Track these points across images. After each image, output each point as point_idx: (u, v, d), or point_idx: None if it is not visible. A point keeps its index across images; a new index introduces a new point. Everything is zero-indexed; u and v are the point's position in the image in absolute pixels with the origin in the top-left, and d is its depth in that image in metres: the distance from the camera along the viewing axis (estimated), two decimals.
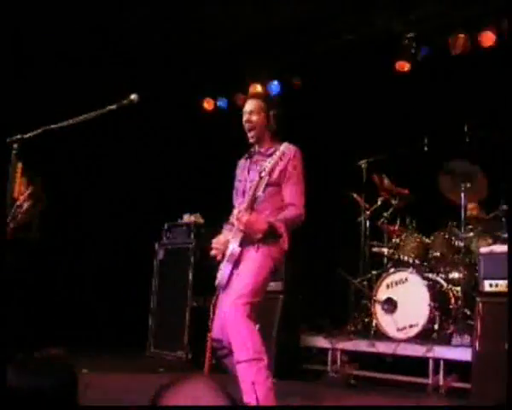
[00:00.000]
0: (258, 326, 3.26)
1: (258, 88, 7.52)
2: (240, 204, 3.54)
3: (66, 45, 6.67)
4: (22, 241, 5.03)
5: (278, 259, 3.42)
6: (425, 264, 5.68)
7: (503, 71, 5.15)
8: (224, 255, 3.43)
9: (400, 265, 5.63)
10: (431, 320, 5.18)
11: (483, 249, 4.48)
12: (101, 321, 7.15)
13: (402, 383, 4.97)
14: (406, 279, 5.36)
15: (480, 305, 4.21)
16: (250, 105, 3.55)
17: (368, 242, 6.12)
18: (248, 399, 3.04)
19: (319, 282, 6.66)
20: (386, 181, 5.99)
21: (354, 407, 4.15)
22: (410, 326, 5.19)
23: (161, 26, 7.00)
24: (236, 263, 3.35)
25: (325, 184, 6.69)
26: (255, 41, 7.33)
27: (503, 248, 4.21)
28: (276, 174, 3.35)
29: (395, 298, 5.36)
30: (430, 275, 5.53)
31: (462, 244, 5.36)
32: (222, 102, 8.22)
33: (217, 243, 3.52)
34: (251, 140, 3.57)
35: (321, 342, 5.62)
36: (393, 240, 5.87)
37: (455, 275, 5.54)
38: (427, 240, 5.69)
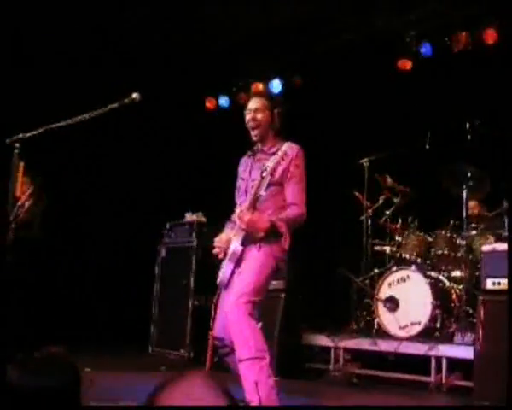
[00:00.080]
0: (260, 325, 3.26)
1: (261, 87, 7.52)
2: (242, 203, 3.53)
3: (67, 45, 6.67)
4: (24, 240, 5.03)
5: (280, 258, 3.42)
6: (427, 262, 5.68)
7: (504, 69, 5.14)
8: (225, 254, 3.43)
9: (402, 263, 5.63)
10: (433, 318, 5.18)
11: (485, 247, 4.47)
12: (104, 320, 7.16)
13: (404, 381, 4.97)
14: (408, 277, 5.35)
15: (482, 303, 4.20)
16: (255, 103, 3.53)
17: (370, 240, 6.12)
18: (250, 397, 3.04)
19: (321, 280, 6.67)
20: (388, 179, 5.98)
21: (356, 406, 4.15)
22: (412, 324, 5.19)
23: (161, 26, 7.00)
24: (238, 262, 3.35)
25: (327, 183, 6.69)
26: (255, 41, 7.32)
27: (506, 246, 4.20)
28: (278, 174, 3.35)
29: (397, 296, 5.36)
30: (432, 273, 5.53)
31: (464, 242, 5.35)
32: (223, 101, 8.22)
33: (219, 241, 3.52)
34: (254, 138, 3.56)
35: (323, 340, 5.62)
36: (395, 238, 5.87)
37: (457, 273, 5.53)
38: (429, 238, 5.68)
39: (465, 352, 4.59)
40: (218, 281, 3.45)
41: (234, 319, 3.16)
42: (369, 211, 6.12)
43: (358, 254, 6.12)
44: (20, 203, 4.86)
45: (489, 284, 4.21)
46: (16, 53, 6.34)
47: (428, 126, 5.71)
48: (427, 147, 5.59)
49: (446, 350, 4.83)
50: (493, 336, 4.04)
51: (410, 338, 5.15)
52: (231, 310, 3.18)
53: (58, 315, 6.45)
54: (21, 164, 3.04)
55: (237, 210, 3.40)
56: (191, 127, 8.05)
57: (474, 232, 5.44)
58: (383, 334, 5.38)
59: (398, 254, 5.76)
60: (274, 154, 3.38)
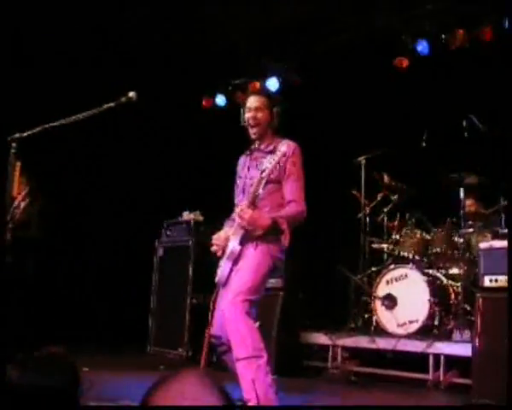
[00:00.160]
0: (258, 324, 3.26)
1: (259, 85, 7.51)
2: (240, 201, 3.54)
3: (67, 45, 6.66)
4: (21, 240, 5.02)
5: (277, 256, 3.42)
6: (425, 260, 5.68)
7: (501, 66, 5.15)
8: (224, 252, 3.44)
9: (400, 261, 5.64)
10: (431, 316, 5.19)
11: (483, 245, 4.47)
12: (102, 319, 7.15)
13: (402, 378, 4.98)
14: (406, 275, 5.36)
15: (480, 300, 4.20)
16: (255, 102, 3.52)
17: (367, 238, 6.13)
18: (248, 396, 3.04)
19: (319, 279, 6.67)
20: (385, 177, 5.99)
21: (356, 406, 4.15)
22: (410, 322, 5.20)
23: (161, 26, 7.00)
24: (236, 261, 3.35)
25: (324, 181, 6.69)
26: (254, 40, 7.32)
27: (503, 243, 4.21)
28: (275, 172, 3.35)
29: (395, 294, 5.37)
30: (430, 271, 5.54)
31: (461, 240, 5.36)
32: (221, 100, 8.22)
33: (217, 239, 3.52)
34: (253, 136, 3.56)
35: (321, 338, 5.63)
36: (393, 236, 5.87)
37: (455, 271, 5.54)
38: (426, 236, 5.69)
39: (463, 349, 4.59)
40: (217, 279, 3.45)
41: (231, 318, 3.16)
42: (367, 209, 6.12)
43: (356, 252, 6.13)
44: (15, 204, 4.85)
45: (486, 281, 4.21)
46: (15, 52, 6.33)
47: (425, 124, 5.71)
48: (424, 145, 5.59)
49: (444, 348, 4.83)
50: (491, 334, 4.04)
51: (408, 336, 5.16)
52: (228, 309, 3.18)
53: (57, 315, 6.45)
54: (18, 164, 3.03)
55: (237, 208, 3.39)
56: (188, 126, 8.04)
57: (471, 230, 5.44)
58: (381, 332, 5.39)
59: (395, 252, 5.77)
60: (271, 152, 3.39)
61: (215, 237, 3.55)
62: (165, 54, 7.41)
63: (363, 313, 5.87)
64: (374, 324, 5.56)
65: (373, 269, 6.01)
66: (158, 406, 1.15)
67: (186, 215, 6.69)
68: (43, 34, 6.39)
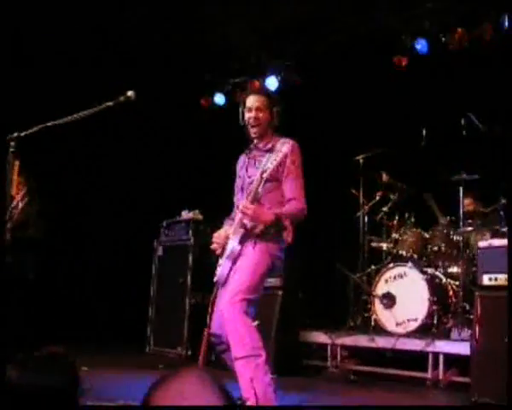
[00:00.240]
0: (257, 323, 3.26)
1: (259, 84, 7.51)
2: (239, 200, 3.55)
3: (66, 45, 6.66)
4: (21, 240, 5.02)
5: (276, 255, 3.42)
6: (424, 258, 5.69)
7: (501, 66, 5.15)
8: (223, 250, 3.44)
9: (399, 259, 5.64)
10: (430, 315, 5.19)
11: (482, 243, 4.47)
12: (101, 319, 7.16)
13: (402, 377, 4.98)
14: (405, 274, 5.37)
15: (479, 299, 4.20)
16: (256, 101, 3.52)
17: (366, 237, 6.13)
18: (247, 395, 3.05)
19: (318, 277, 6.67)
20: (384, 176, 5.99)
21: (356, 406, 4.15)
22: (409, 321, 5.21)
23: (161, 25, 6.99)
24: (236, 260, 3.36)
25: (323, 180, 6.69)
26: (255, 39, 7.32)
27: (502, 241, 4.21)
28: (273, 170, 3.34)
29: (394, 293, 5.37)
30: (429, 269, 5.54)
31: (460, 238, 5.36)
32: (220, 99, 8.21)
33: (217, 237, 3.52)
34: (253, 135, 3.56)
35: (320, 337, 5.63)
36: (392, 235, 5.87)
37: (454, 269, 5.55)
38: (425, 234, 5.69)
39: (462, 348, 4.60)
40: (216, 278, 3.45)
41: (229, 317, 3.16)
42: (366, 208, 6.12)
43: (355, 251, 6.13)
44: (14, 204, 4.83)
45: (485, 279, 4.21)
46: (14, 52, 6.32)
47: (424, 123, 5.71)
48: (423, 143, 5.59)
49: (443, 346, 4.84)
50: (490, 332, 4.05)
51: (407, 334, 5.16)
52: (226, 308, 3.19)
53: (56, 315, 6.45)
54: (16, 163, 3.03)
55: (240, 205, 3.38)
56: (187, 126, 8.03)
57: (470, 228, 5.45)
58: (380, 330, 5.39)
59: (394, 251, 5.77)
60: (269, 150, 3.41)
61: (215, 234, 3.55)
62: (165, 53, 7.40)
63: (362, 312, 5.87)
64: (373, 322, 5.56)
65: (372, 268, 6.01)
66: (158, 406, 1.15)
67: (185, 214, 6.68)
68: (42, 34, 6.39)
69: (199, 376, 1.19)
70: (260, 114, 3.50)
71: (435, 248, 5.59)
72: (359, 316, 5.86)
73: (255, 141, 3.60)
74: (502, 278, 4.06)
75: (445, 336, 5.02)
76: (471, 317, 4.70)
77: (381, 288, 5.48)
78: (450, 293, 5.37)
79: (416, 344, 4.99)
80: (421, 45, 6.62)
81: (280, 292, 5.45)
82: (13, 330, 4.06)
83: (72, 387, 1.83)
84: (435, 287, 5.32)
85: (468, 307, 5.09)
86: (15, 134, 3.06)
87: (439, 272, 5.54)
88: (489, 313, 4.10)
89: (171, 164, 7.88)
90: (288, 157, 3.36)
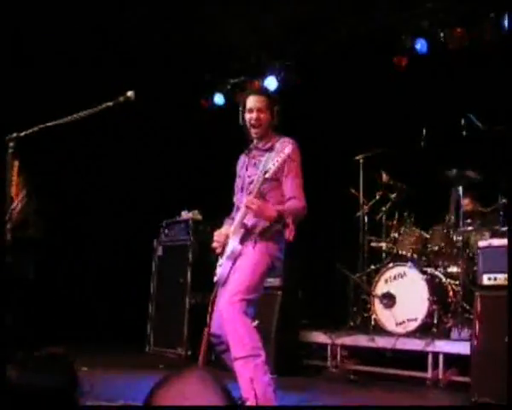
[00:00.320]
0: (256, 323, 3.26)
1: (259, 85, 7.50)
2: (238, 200, 3.56)
3: (66, 45, 6.65)
4: (21, 240, 5.00)
5: (276, 255, 3.42)
6: (423, 258, 5.69)
7: (501, 65, 5.15)
8: (224, 249, 3.44)
9: (399, 259, 5.63)
10: (430, 314, 5.19)
11: (481, 243, 4.47)
12: (101, 319, 7.15)
13: (402, 377, 4.98)
14: (405, 274, 5.36)
15: (479, 299, 4.20)
16: (257, 102, 3.52)
17: (366, 237, 6.13)
18: (246, 395, 3.05)
19: (318, 277, 6.67)
20: (384, 176, 5.99)
21: (355, 406, 4.15)
22: (409, 321, 5.20)
23: (161, 25, 6.99)
24: (236, 260, 3.36)
25: (323, 180, 6.68)
26: (254, 39, 7.32)
27: (502, 241, 4.21)
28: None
29: (394, 293, 5.37)
30: (429, 269, 5.54)
31: (460, 238, 5.36)
32: (219, 99, 8.21)
33: (218, 235, 3.52)
34: (254, 135, 3.56)
35: (320, 337, 5.63)
36: (392, 235, 5.87)
37: (453, 269, 5.54)
38: (425, 234, 5.69)
39: (462, 347, 4.60)
40: (216, 279, 3.45)
41: (228, 318, 3.17)
42: (366, 208, 6.12)
43: (355, 251, 6.13)
44: (14, 205, 4.82)
45: (485, 279, 4.21)
46: (14, 52, 6.32)
47: (424, 123, 5.71)
48: (423, 143, 5.59)
49: (443, 346, 4.84)
50: (490, 332, 4.05)
51: (407, 334, 5.16)
52: (226, 308, 3.19)
53: (56, 315, 6.44)
54: (16, 163, 3.03)
55: (245, 199, 3.37)
56: (187, 126, 8.03)
57: (469, 228, 5.45)
58: (380, 330, 5.39)
59: (394, 251, 5.77)
60: (268, 149, 3.43)
61: (216, 233, 3.56)
62: (165, 53, 7.40)
63: (362, 312, 5.87)
64: (373, 322, 5.56)
65: (372, 268, 6.01)
66: (159, 406, 1.15)
67: (185, 214, 6.69)
68: (42, 34, 6.39)
69: (200, 376, 1.18)
70: (261, 115, 3.51)
71: (435, 248, 5.59)
72: (359, 316, 5.86)
73: (255, 141, 3.60)
74: (501, 278, 4.06)
75: (445, 335, 5.02)
76: (471, 317, 4.70)
77: (380, 288, 5.48)
78: (450, 293, 5.37)
79: (415, 344, 4.99)
80: (420, 45, 6.62)
81: (280, 292, 5.44)
82: (13, 331, 4.06)
83: (72, 387, 1.82)
84: (435, 287, 5.31)
85: (467, 307, 5.09)
86: (15, 134, 3.06)
87: (439, 271, 5.54)
88: (489, 313, 4.10)
89: (170, 164, 7.88)
90: (289, 157, 3.37)
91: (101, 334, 6.77)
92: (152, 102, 6.74)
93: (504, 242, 4.10)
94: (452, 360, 4.78)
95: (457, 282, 5.34)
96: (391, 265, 5.54)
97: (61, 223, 6.82)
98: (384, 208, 6.02)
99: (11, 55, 6.26)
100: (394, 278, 5.42)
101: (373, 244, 6.08)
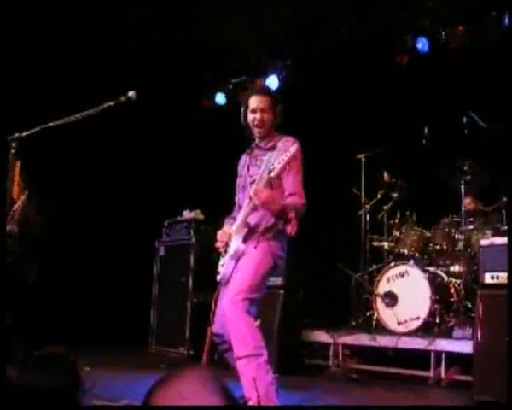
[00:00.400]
0: (259, 322, 3.26)
1: (261, 84, 7.50)
2: (240, 199, 3.56)
3: (66, 45, 6.66)
4: (25, 235, 4.99)
5: (278, 254, 3.42)
6: (425, 257, 5.68)
7: (502, 63, 5.14)
8: (227, 248, 3.44)
9: (400, 258, 5.63)
10: (432, 313, 5.18)
11: (483, 242, 4.46)
12: (103, 318, 7.16)
13: (404, 376, 4.98)
14: (407, 273, 5.36)
15: (481, 297, 4.19)
16: (261, 102, 3.52)
17: (368, 236, 6.12)
18: (249, 394, 3.05)
19: (320, 277, 6.66)
20: (385, 175, 5.99)
21: (355, 406, 4.14)
22: (411, 320, 5.20)
23: (161, 25, 6.99)
24: (240, 260, 3.36)
25: (325, 179, 6.69)
26: (255, 39, 7.32)
27: (504, 240, 4.20)
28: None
29: (396, 292, 5.37)
30: (430, 268, 5.53)
31: (462, 237, 5.35)
32: (221, 99, 8.21)
33: (221, 235, 3.52)
34: (257, 135, 3.57)
35: (322, 336, 5.62)
36: (393, 233, 5.87)
37: (455, 268, 5.54)
38: (427, 233, 5.69)
39: (464, 346, 4.60)
40: (220, 277, 3.45)
41: (231, 317, 3.17)
42: (367, 207, 6.12)
43: (357, 250, 6.13)
44: (15, 208, 4.81)
45: (487, 278, 4.21)
46: (15, 52, 6.32)
47: (425, 122, 5.70)
48: (424, 142, 5.59)
49: (445, 345, 4.83)
50: (492, 331, 4.04)
51: (409, 333, 5.15)
52: (228, 307, 3.19)
53: (58, 314, 6.45)
54: (18, 163, 3.03)
55: (253, 186, 3.33)
56: (189, 126, 8.04)
57: (471, 227, 5.44)
58: (382, 329, 5.39)
59: (396, 250, 5.76)
60: (270, 149, 3.43)
61: (219, 232, 3.56)
62: (165, 53, 7.40)
63: (364, 311, 5.87)
64: (375, 321, 5.56)
65: (373, 267, 6.01)
66: (158, 406, 1.14)
67: (187, 214, 6.69)
68: (43, 34, 6.39)
69: (200, 376, 1.17)
70: (265, 116, 3.52)
71: (437, 247, 5.59)
72: (361, 315, 5.85)
73: (257, 140, 3.60)
74: (503, 277, 4.05)
75: (447, 334, 5.02)
76: (473, 315, 4.70)
77: (382, 287, 5.47)
78: (452, 291, 5.36)
79: (417, 343, 4.98)
80: (421, 44, 6.61)
81: (282, 291, 5.44)
82: (13, 331, 4.06)
83: (73, 387, 1.82)
84: (437, 286, 5.31)
85: (469, 306, 5.09)
86: (16, 135, 3.06)
87: (441, 270, 5.53)
88: (491, 312, 4.10)
89: (172, 164, 7.88)
90: (294, 155, 3.36)
91: (104, 334, 6.78)
92: (153, 102, 6.74)
93: (506, 240, 4.09)
94: (454, 358, 4.77)
95: (459, 281, 5.33)
96: (393, 264, 5.53)
97: (63, 223, 6.82)
98: (386, 207, 6.02)
99: (11, 55, 6.26)
100: (396, 277, 5.41)
101: (375, 243, 6.07)
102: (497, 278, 4.14)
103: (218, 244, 3.52)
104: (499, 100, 4.27)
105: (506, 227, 4.88)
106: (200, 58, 7.60)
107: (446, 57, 6.48)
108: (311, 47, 7.34)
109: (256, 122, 3.52)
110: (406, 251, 5.66)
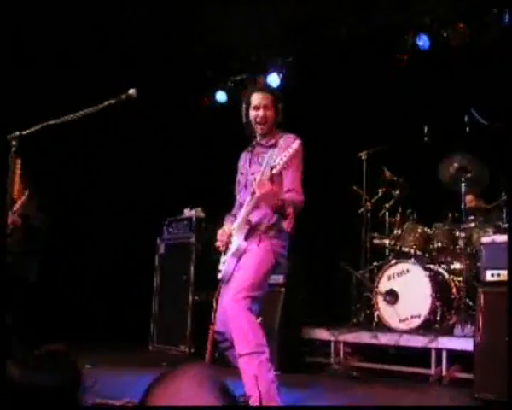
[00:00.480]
0: (260, 320, 3.26)
1: (263, 82, 7.49)
2: (242, 197, 3.56)
3: (66, 45, 6.65)
4: (28, 228, 4.98)
5: (280, 252, 3.42)
6: (426, 255, 5.67)
7: (503, 60, 5.13)
8: (227, 247, 3.44)
9: (402, 256, 5.63)
10: (433, 311, 5.18)
11: (484, 239, 4.46)
12: (104, 317, 7.16)
13: (405, 374, 4.98)
14: (408, 270, 5.35)
15: (482, 295, 4.19)
16: (263, 100, 3.53)
17: (369, 233, 6.12)
18: (250, 392, 3.05)
19: (321, 274, 6.67)
20: (387, 173, 5.98)
21: (355, 406, 4.14)
22: (412, 317, 5.19)
23: (161, 26, 6.99)
24: (241, 257, 3.36)
25: (326, 177, 6.68)
26: (255, 37, 7.32)
27: (505, 237, 4.19)
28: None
29: (397, 289, 5.36)
30: (432, 266, 5.53)
31: (463, 235, 5.35)
32: (221, 97, 8.21)
33: (222, 234, 3.52)
34: (259, 132, 3.57)
35: (323, 334, 5.63)
36: (395, 231, 5.86)
37: (456, 265, 5.53)
38: (428, 231, 5.68)
39: (465, 344, 4.59)
40: (221, 275, 3.45)
41: (232, 315, 3.17)
42: (368, 204, 6.11)
43: (358, 248, 6.12)
44: (15, 207, 4.80)
45: (488, 275, 4.21)
46: (15, 52, 6.32)
47: (427, 119, 5.70)
48: (426, 140, 5.58)
49: (446, 342, 4.83)
50: (493, 328, 4.04)
51: (410, 331, 5.15)
52: (230, 305, 3.19)
53: (59, 312, 6.45)
54: (18, 162, 3.03)
55: (257, 177, 3.32)
56: (189, 123, 8.03)
57: (472, 224, 5.44)
58: (383, 327, 5.39)
59: (397, 247, 5.76)
60: (271, 146, 3.44)
61: (220, 231, 3.56)
62: (165, 53, 7.40)
63: (365, 309, 5.87)
64: (376, 319, 5.56)
65: (374, 264, 6.00)
66: (157, 405, 1.13)
67: (187, 212, 6.68)
68: (43, 34, 6.39)
69: (196, 374, 1.15)
70: (267, 113, 3.53)
71: (438, 245, 5.58)
72: (362, 313, 5.85)
73: (258, 137, 3.61)
74: (504, 274, 4.04)
75: (448, 332, 5.02)
76: (474, 313, 4.69)
77: (383, 284, 5.47)
78: (453, 289, 5.36)
79: (419, 341, 4.98)
80: (422, 41, 6.60)
81: (283, 289, 5.45)
82: (13, 331, 4.06)
83: (73, 385, 1.82)
84: (438, 283, 5.31)
85: (471, 304, 5.08)
86: (17, 133, 3.06)
87: (442, 268, 5.53)
88: (492, 309, 4.10)
89: (173, 162, 7.88)
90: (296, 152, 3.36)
91: (104, 332, 6.77)
92: (153, 100, 6.74)
93: (507, 238, 4.09)
94: (455, 356, 4.78)
95: (460, 278, 5.33)
96: (394, 261, 5.53)
97: (63, 222, 6.82)
98: (387, 205, 6.02)
99: (13, 54, 6.26)
100: (397, 274, 5.41)
101: (376, 241, 6.06)
102: (498, 275, 4.14)
103: (218, 244, 3.52)
104: (500, 98, 4.27)
105: (507, 225, 4.88)
106: (200, 57, 7.59)
107: (447, 55, 6.47)
108: (311, 46, 7.33)
109: (258, 119, 3.52)
110: (407, 249, 5.66)
